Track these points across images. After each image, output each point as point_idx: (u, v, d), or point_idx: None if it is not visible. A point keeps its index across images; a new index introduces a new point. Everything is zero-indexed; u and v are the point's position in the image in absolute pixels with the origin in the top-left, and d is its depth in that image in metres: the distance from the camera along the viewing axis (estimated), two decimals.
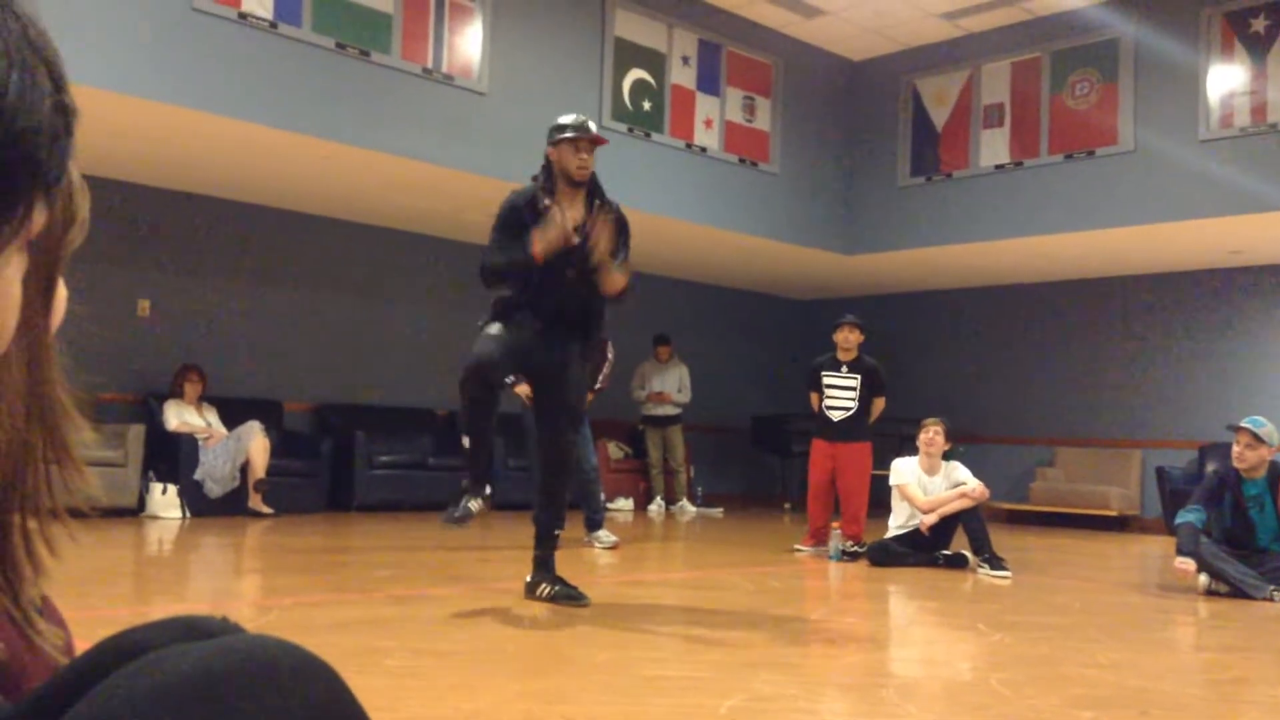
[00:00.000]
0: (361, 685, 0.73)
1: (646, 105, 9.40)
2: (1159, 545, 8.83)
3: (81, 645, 0.77)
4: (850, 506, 7.06)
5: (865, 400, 7.17)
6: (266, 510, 8.31)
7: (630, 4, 9.26)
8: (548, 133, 4.45)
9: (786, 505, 11.89)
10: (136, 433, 7.99)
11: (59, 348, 0.71)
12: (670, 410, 10.90)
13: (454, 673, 3.06)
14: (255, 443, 8.28)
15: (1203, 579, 5.54)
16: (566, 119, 4.42)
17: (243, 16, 7.05)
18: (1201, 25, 9.02)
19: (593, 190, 4.46)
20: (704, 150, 9.79)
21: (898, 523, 6.75)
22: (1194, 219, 8.94)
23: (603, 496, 7.52)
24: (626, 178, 9.00)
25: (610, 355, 7.20)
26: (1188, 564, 5.50)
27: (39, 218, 0.61)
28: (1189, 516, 5.60)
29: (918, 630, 4.64)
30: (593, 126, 4.46)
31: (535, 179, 4.47)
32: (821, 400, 7.23)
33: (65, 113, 0.60)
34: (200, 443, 8.26)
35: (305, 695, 0.64)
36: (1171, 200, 9.00)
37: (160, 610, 4.18)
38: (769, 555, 7.10)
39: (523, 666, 3.26)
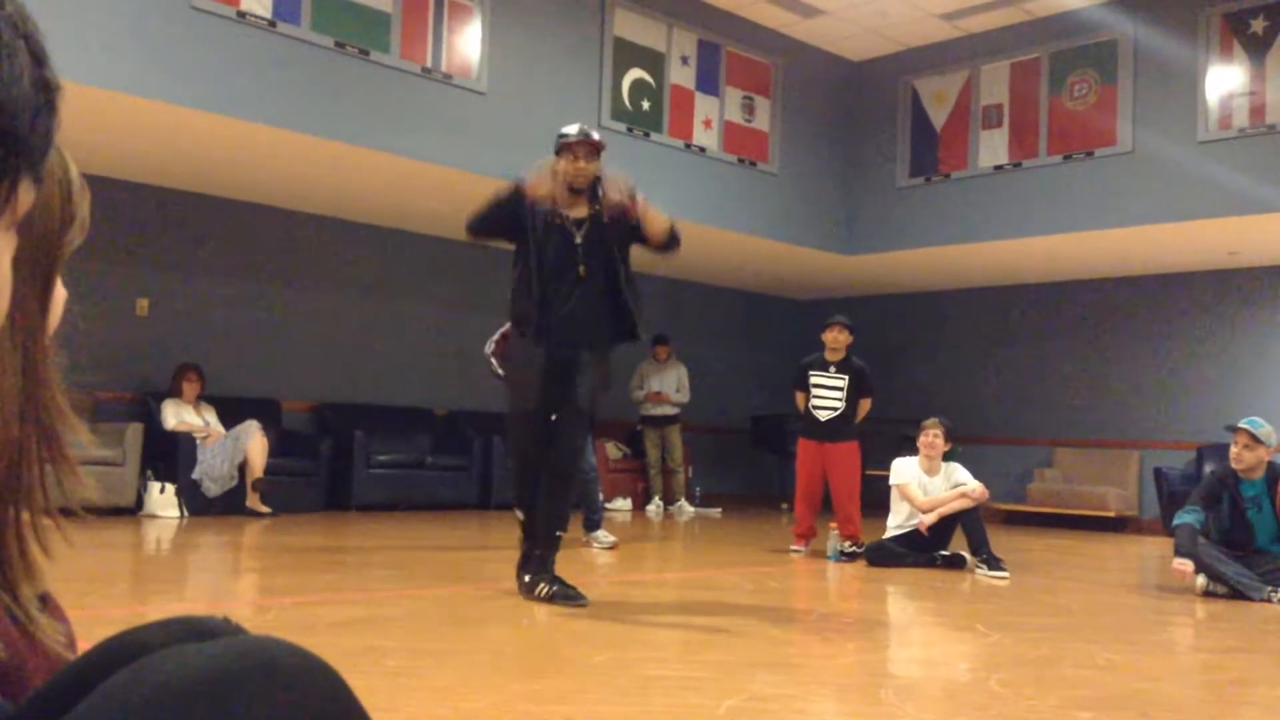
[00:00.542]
0: (361, 685, 0.73)
1: (646, 105, 9.40)
2: (1157, 546, 8.83)
3: (81, 646, 0.77)
4: (844, 507, 7.06)
5: (852, 400, 7.18)
6: (265, 510, 8.31)
7: (630, 4, 9.26)
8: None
9: (785, 505, 11.88)
10: (135, 432, 7.99)
11: (56, 348, 0.70)
12: (669, 410, 10.90)
13: (453, 673, 3.06)
14: (254, 442, 8.28)
15: (1201, 580, 5.54)
16: (568, 129, 4.57)
17: (242, 15, 7.04)
18: (1200, 26, 9.02)
19: (594, 192, 4.56)
20: (703, 150, 9.79)
21: (896, 523, 6.75)
22: (1192, 220, 8.95)
23: (601, 497, 7.52)
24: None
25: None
26: (1186, 565, 5.50)
27: (26, 196, 0.61)
28: (1187, 517, 5.60)
29: (916, 631, 4.64)
30: (595, 135, 4.58)
31: None
32: (808, 399, 7.24)
33: (47, 88, 0.60)
34: (198, 442, 8.25)
35: (307, 695, 0.64)
36: (1170, 201, 9.01)
37: (159, 610, 4.17)
38: (767, 555, 7.10)
39: (522, 667, 3.26)
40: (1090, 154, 9.54)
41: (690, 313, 12.44)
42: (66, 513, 0.70)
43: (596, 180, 4.58)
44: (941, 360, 12.56)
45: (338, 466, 9.14)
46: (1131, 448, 11.13)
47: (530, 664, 3.33)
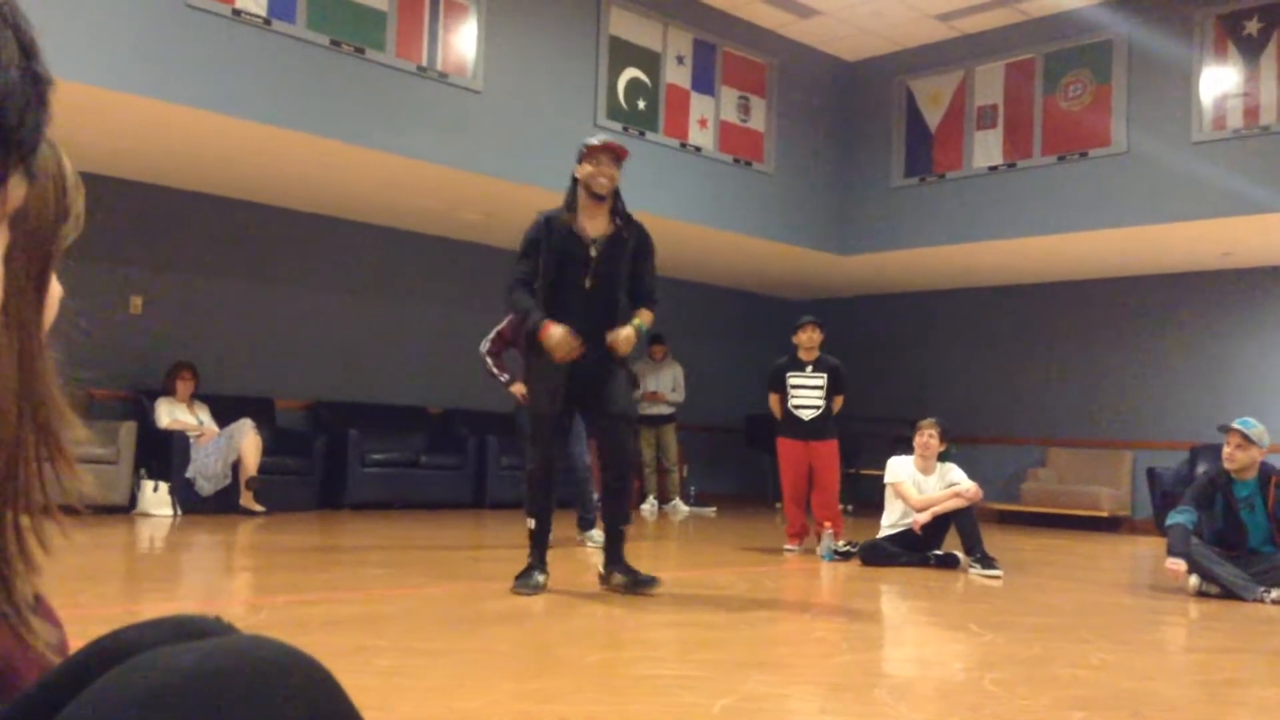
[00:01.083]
0: (354, 684, 0.73)
1: (641, 104, 9.40)
2: (1150, 546, 8.85)
3: (73, 645, 0.77)
4: (829, 504, 7.16)
5: (830, 398, 7.24)
6: (258, 508, 8.30)
7: (625, 3, 9.26)
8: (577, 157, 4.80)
9: (779, 505, 11.89)
10: (128, 430, 7.97)
11: (51, 344, 0.70)
12: (664, 409, 10.90)
13: (446, 672, 3.05)
14: (247, 440, 8.26)
15: (1193, 580, 5.55)
16: (592, 139, 4.79)
17: (237, 13, 7.03)
18: (1195, 27, 9.04)
19: (615, 207, 4.77)
20: (698, 150, 9.79)
21: (890, 522, 6.76)
22: (1186, 221, 8.97)
23: (595, 496, 7.52)
24: (621, 177, 8.99)
25: None
26: (1178, 565, 5.51)
27: (17, 190, 0.60)
28: (1180, 518, 5.60)
29: (910, 630, 4.64)
30: (595, 141, 4.77)
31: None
32: (783, 401, 7.29)
33: (37, 81, 0.59)
34: (192, 440, 8.24)
35: (298, 695, 0.63)
36: (1164, 202, 9.02)
37: (151, 609, 4.17)
38: (762, 555, 7.11)
39: (516, 666, 3.26)
40: (1084, 154, 9.55)
41: (686, 312, 12.43)
42: (66, 509, 0.70)
43: (617, 194, 4.78)
44: (935, 360, 12.58)
45: (332, 465, 9.12)
46: (1125, 448, 11.15)
47: (524, 663, 3.32)
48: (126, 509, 7.89)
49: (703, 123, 9.88)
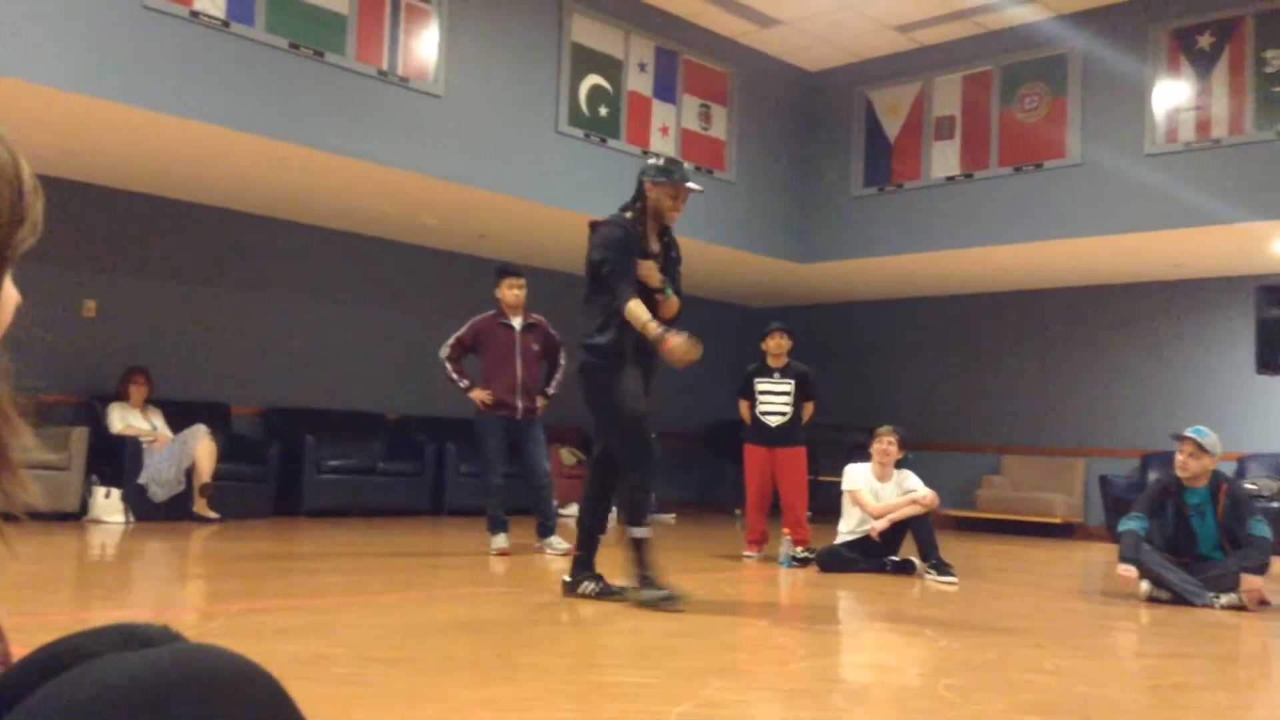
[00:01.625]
0: (309, 693, 0.72)
1: (603, 111, 9.41)
2: (1102, 552, 8.97)
3: (19, 652, 0.76)
4: (794, 511, 7.12)
5: (799, 405, 7.27)
6: (212, 515, 8.20)
7: (587, 10, 9.27)
8: (646, 168, 4.97)
9: (738, 511, 11.92)
10: (80, 435, 7.85)
11: (2, 351, 0.69)
12: None
13: (403, 680, 3.03)
14: (201, 446, 8.16)
15: (1144, 586, 5.62)
16: (671, 162, 4.98)
17: (194, 15, 6.96)
18: (1148, 42, 9.19)
19: (663, 231, 5.14)
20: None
21: (848, 528, 6.79)
22: (1139, 232, 9.11)
23: (555, 503, 7.50)
24: (581, 183, 9.00)
25: (563, 361, 7.19)
26: (1130, 571, 5.58)
27: None
28: (1131, 524, 5.68)
29: (866, 636, 4.67)
30: (695, 186, 5.02)
31: (625, 210, 4.98)
32: (753, 407, 7.32)
33: None
34: (145, 446, 8.12)
35: (243, 703, 0.63)
36: (1117, 213, 9.16)
37: (101, 617, 4.10)
38: (720, 561, 7.12)
39: (473, 674, 3.24)
40: (1040, 166, 9.68)
41: None
42: (11, 519, 0.69)
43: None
44: (893, 367, 12.68)
45: (287, 471, 9.03)
46: (1078, 455, 11.29)
47: (482, 671, 3.31)
48: (78, 516, 7.77)
49: (664, 130, 9.91)
